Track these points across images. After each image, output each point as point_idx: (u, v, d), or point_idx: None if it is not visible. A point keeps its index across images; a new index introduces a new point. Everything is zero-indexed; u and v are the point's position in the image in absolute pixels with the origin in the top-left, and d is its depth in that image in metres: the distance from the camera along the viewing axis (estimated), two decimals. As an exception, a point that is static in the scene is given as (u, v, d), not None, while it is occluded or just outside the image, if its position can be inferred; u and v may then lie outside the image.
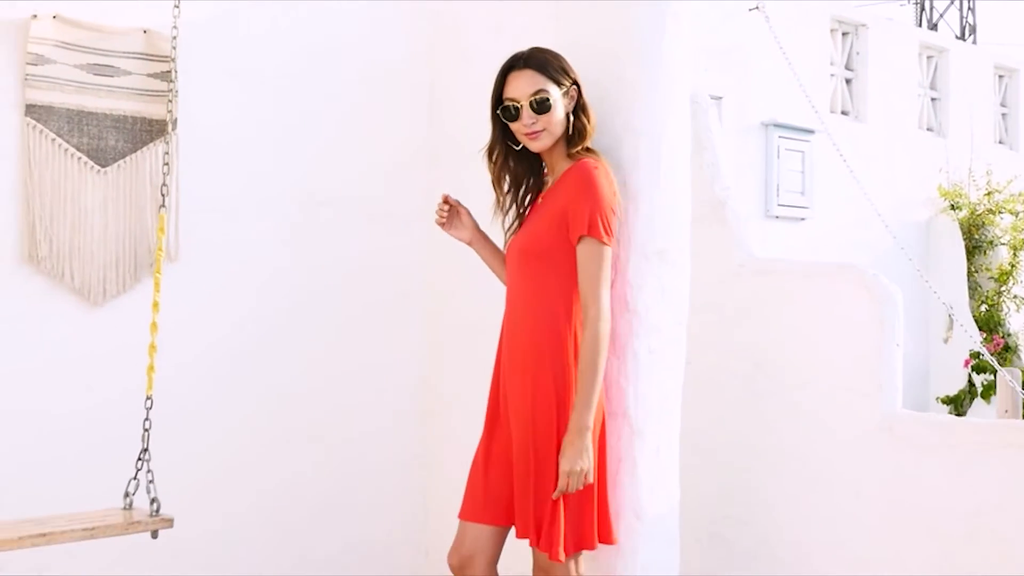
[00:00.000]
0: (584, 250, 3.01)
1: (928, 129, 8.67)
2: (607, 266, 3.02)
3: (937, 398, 8.27)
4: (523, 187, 3.23)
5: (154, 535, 3.15)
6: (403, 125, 4.57)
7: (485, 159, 3.21)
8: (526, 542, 3.09)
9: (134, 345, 3.63)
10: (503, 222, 3.26)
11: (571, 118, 3.12)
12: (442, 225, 3.41)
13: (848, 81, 7.47)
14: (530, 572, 3.16)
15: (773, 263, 3.95)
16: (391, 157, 4.56)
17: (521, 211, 3.24)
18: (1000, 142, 9.95)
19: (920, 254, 8.24)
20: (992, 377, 7.92)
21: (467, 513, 3.18)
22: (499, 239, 3.36)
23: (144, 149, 4.09)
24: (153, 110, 4.08)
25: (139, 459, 3.19)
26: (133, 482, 3.20)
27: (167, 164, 3.46)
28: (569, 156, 3.12)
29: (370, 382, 4.45)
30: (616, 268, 3.21)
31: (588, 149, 3.14)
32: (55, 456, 3.81)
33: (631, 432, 3.21)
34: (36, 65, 3.86)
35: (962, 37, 19.78)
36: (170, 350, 3.72)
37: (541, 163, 3.24)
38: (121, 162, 4.05)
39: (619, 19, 3.25)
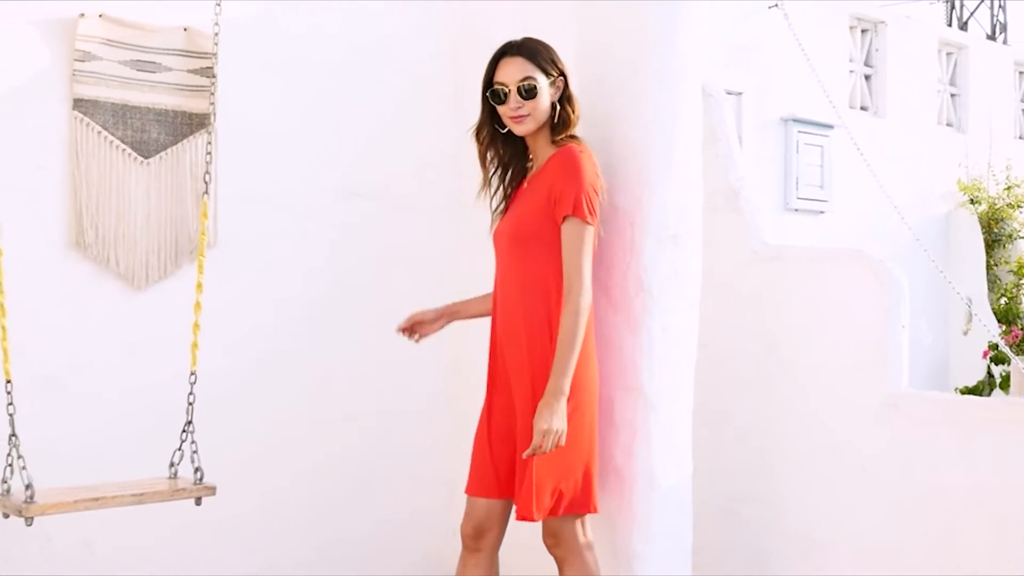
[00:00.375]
0: (568, 229, 3.16)
1: (947, 124, 8.79)
2: (589, 244, 3.17)
3: (956, 388, 8.38)
4: (509, 170, 3.37)
5: (198, 502, 3.35)
6: (432, 122, 4.75)
7: (473, 138, 3.38)
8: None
9: (175, 327, 3.82)
10: (490, 203, 3.39)
11: (557, 107, 3.28)
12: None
13: (867, 77, 7.61)
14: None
15: (785, 250, 4.11)
16: (422, 153, 4.74)
17: (508, 193, 3.38)
18: (1019, 137, 10.04)
19: (940, 248, 8.36)
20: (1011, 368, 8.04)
21: (477, 488, 3.34)
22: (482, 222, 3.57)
23: (184, 141, 4.28)
24: (193, 104, 4.28)
25: (184, 431, 3.39)
26: (178, 453, 3.39)
27: (209, 154, 3.67)
28: (553, 143, 3.29)
29: (403, 366, 4.59)
30: (631, 252, 3.40)
31: (572, 136, 3.30)
32: (104, 430, 4.00)
33: (646, 406, 3.40)
34: (83, 62, 4.05)
35: (993, 36, 19.76)
36: (208, 333, 3.92)
37: (526, 149, 3.38)
38: (163, 154, 4.25)
39: (635, 17, 3.43)
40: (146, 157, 4.21)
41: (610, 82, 3.45)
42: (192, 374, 3.40)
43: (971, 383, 8.37)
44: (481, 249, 4.13)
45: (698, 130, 3.53)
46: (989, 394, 8.17)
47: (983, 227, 8.68)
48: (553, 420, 3.06)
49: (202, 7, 3.69)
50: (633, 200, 3.41)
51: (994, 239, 8.88)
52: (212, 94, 3.87)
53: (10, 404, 3.05)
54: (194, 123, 4.28)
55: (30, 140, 3.93)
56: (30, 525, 3.03)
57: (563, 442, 3.09)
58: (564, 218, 3.18)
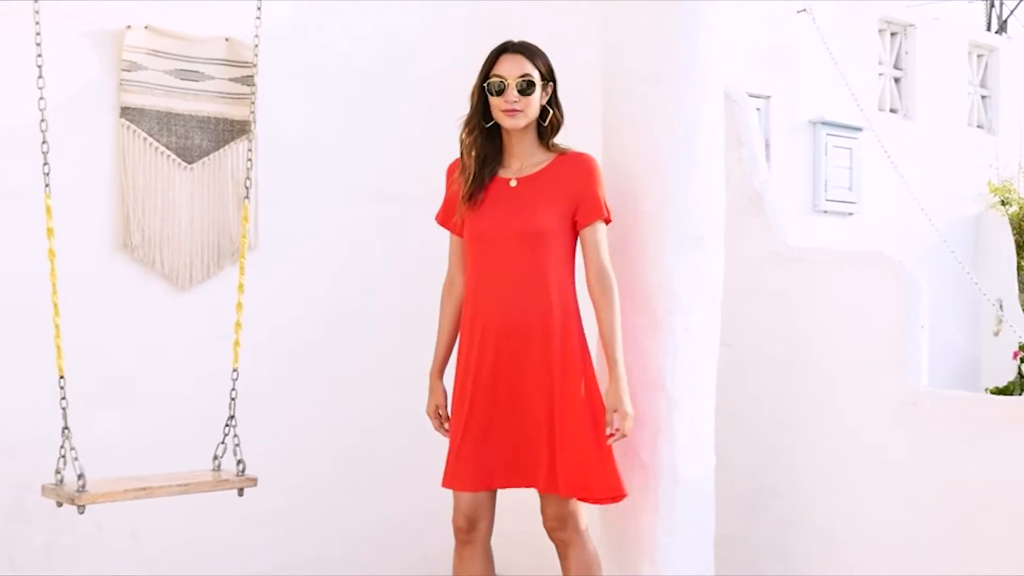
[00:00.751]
0: (597, 231, 3.40)
1: (978, 126, 8.82)
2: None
3: (987, 389, 8.41)
4: (485, 165, 3.44)
5: (240, 493, 3.49)
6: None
7: (462, 128, 3.47)
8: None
9: (217, 325, 3.96)
10: (465, 191, 3.43)
11: (549, 110, 3.43)
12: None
13: (897, 80, 7.67)
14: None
15: (807, 251, 4.21)
16: (453, 156, 4.88)
17: (479, 183, 3.42)
18: (1053, 139, 10.03)
19: (970, 249, 8.39)
20: (1042, 368, 8.06)
21: (466, 483, 3.39)
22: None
23: (226, 147, 4.44)
24: (234, 111, 4.44)
25: (227, 425, 3.53)
26: (221, 446, 3.54)
27: (250, 160, 3.82)
28: (550, 148, 3.45)
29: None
30: (654, 253, 3.52)
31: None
32: (151, 424, 4.18)
33: (668, 403, 3.52)
34: (130, 71, 4.22)
35: (1033, 34, 19.58)
36: (249, 331, 4.08)
37: (501, 147, 3.47)
38: (205, 159, 4.41)
39: (658, 23, 3.54)
40: (189, 162, 4.37)
41: (634, 87, 3.58)
42: (234, 371, 3.55)
43: (1002, 384, 8.40)
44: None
45: (720, 134, 3.64)
46: (1020, 394, 8.20)
47: (1014, 228, 8.70)
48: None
49: (243, 18, 3.83)
50: (656, 203, 3.53)
51: (1025, 240, 8.89)
52: (252, 102, 4.02)
53: (63, 398, 3.20)
54: (235, 130, 4.44)
55: (80, 147, 4.10)
56: (82, 513, 3.19)
57: None
58: (593, 221, 3.39)
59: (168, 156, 4.32)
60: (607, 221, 3.43)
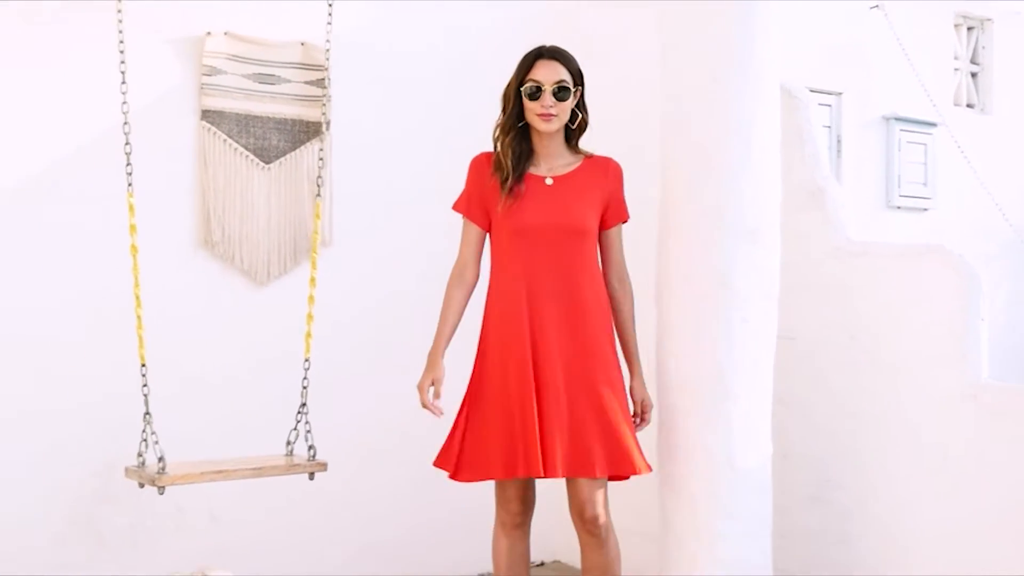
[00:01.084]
0: (619, 232, 3.68)
1: (1060, 121, 8.69)
2: None
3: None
4: (520, 163, 3.56)
5: (311, 476, 3.67)
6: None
7: (499, 132, 3.58)
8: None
9: (293, 318, 4.14)
10: (504, 187, 3.54)
11: (578, 113, 3.58)
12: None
13: (973, 75, 7.60)
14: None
15: (867, 245, 4.25)
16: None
17: (517, 180, 3.54)
18: None
19: (1050, 244, 8.28)
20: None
21: (526, 469, 3.44)
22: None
23: (302, 148, 4.62)
24: (310, 113, 4.61)
25: (299, 412, 3.71)
26: (293, 432, 3.72)
27: (322, 159, 3.98)
28: (578, 150, 3.64)
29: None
30: (711, 247, 3.60)
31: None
32: (228, 411, 4.39)
33: (725, 393, 3.59)
34: (210, 76, 4.42)
35: None
36: (324, 323, 4.25)
37: (531, 149, 3.59)
38: (282, 159, 4.60)
39: (713, 23, 3.61)
40: (267, 163, 4.55)
41: (691, 85, 3.66)
42: (306, 360, 3.72)
43: (1082, 380, 8.29)
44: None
45: (776, 130, 3.70)
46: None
47: (1095, 224, 8.58)
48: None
49: (317, 23, 3.99)
50: (712, 198, 3.60)
51: (1108, 235, 8.75)
52: (324, 104, 4.18)
53: (144, 386, 3.40)
54: (310, 131, 4.62)
55: (163, 149, 4.31)
56: (162, 493, 3.38)
57: None
58: (619, 222, 3.65)
59: (247, 157, 4.50)
60: (626, 222, 3.71)
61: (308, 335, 3.73)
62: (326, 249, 4.61)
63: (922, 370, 4.04)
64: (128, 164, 3.41)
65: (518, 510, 3.61)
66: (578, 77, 3.57)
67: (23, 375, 4.08)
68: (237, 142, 4.48)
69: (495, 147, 3.60)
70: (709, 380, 3.61)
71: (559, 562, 5.28)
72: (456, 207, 3.69)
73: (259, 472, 3.53)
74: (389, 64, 4.85)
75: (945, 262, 3.99)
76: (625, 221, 3.69)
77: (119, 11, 3.39)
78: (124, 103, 3.42)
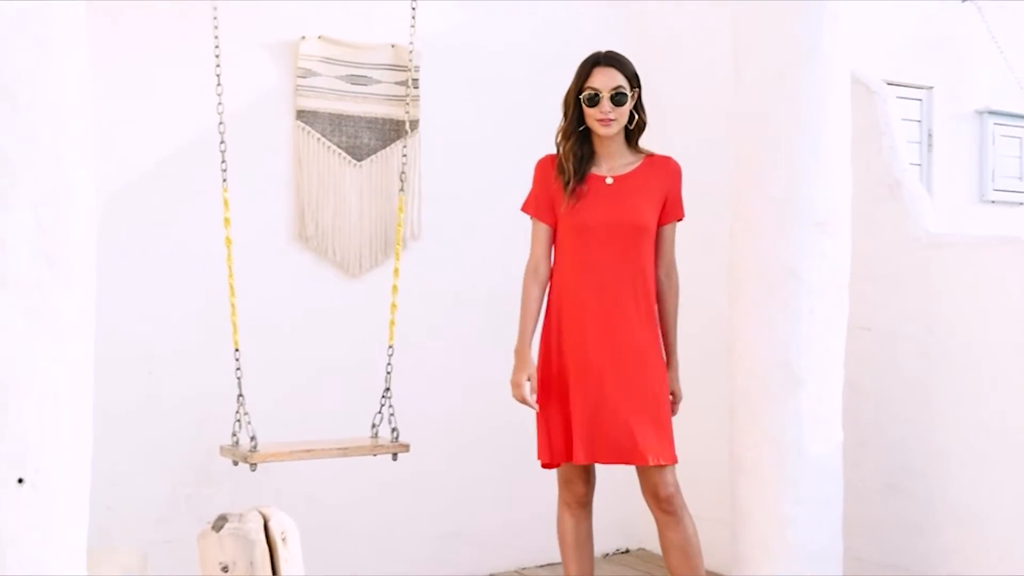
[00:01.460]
0: (673, 229, 3.81)
1: None
2: None
3: None
4: (582, 165, 3.71)
5: (394, 457, 3.84)
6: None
7: (561, 137, 3.75)
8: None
9: (383, 308, 4.31)
10: (566, 189, 3.70)
11: (635, 115, 3.71)
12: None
13: (1073, 67, 7.50)
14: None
15: (945, 237, 4.28)
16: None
17: (579, 181, 3.69)
18: None
19: None
20: None
21: (587, 455, 3.64)
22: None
23: (392, 145, 4.81)
24: (400, 113, 4.80)
25: (383, 396, 3.89)
26: (378, 415, 3.91)
27: (405, 155, 4.16)
28: (637, 149, 3.75)
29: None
30: (781, 238, 3.69)
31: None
32: (317, 395, 4.60)
33: (794, 380, 3.68)
34: (305, 78, 4.63)
35: None
36: (413, 312, 4.46)
37: (592, 151, 3.75)
38: (373, 157, 4.80)
39: (782, 21, 3.70)
40: (359, 160, 4.75)
41: (762, 80, 3.75)
42: (390, 347, 3.90)
43: None
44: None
45: (847, 123, 3.77)
46: None
47: None
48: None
49: (407, 25, 4.17)
50: (782, 190, 3.69)
51: None
52: (407, 103, 4.36)
53: (238, 369, 3.61)
54: (401, 129, 4.81)
55: (260, 147, 4.53)
56: (254, 470, 3.59)
57: None
58: (674, 219, 3.78)
59: (339, 154, 4.71)
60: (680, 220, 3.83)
61: (391, 323, 3.91)
62: (415, 242, 4.81)
63: (1000, 360, 4.07)
64: (223, 162, 3.62)
65: (581, 491, 3.79)
66: (634, 80, 3.70)
67: (135, 364, 4.32)
68: (330, 141, 4.68)
69: (558, 151, 3.78)
70: (778, 368, 3.70)
71: (644, 549, 5.40)
72: (524, 208, 3.88)
73: (345, 452, 3.71)
74: (477, 64, 5.02)
75: (1020, 252, 4.02)
76: (680, 219, 3.80)
77: (215, 18, 3.61)
78: (219, 104, 3.63)
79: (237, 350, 3.60)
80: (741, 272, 3.82)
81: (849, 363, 3.99)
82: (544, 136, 5.01)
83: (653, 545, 5.23)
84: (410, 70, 4.18)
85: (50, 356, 2.10)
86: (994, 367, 4.09)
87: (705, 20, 4.85)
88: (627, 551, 5.40)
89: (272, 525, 2.31)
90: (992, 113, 6.76)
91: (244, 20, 4.39)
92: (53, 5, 2.12)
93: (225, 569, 2.23)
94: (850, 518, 4.15)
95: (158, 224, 4.36)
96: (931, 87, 6.52)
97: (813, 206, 3.70)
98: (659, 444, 3.62)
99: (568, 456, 3.69)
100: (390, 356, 3.90)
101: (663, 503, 3.68)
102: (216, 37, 3.60)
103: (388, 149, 4.80)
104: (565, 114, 3.76)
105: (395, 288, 3.92)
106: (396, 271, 3.92)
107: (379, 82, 4.78)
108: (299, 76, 4.61)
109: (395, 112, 4.80)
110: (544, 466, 3.79)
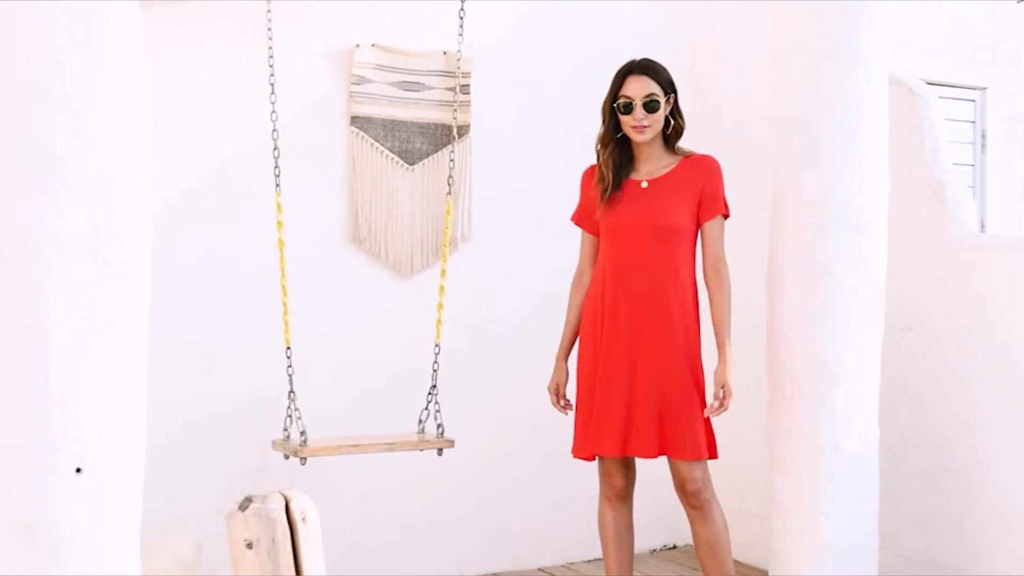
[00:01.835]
0: (718, 224, 3.82)
1: None
2: None
3: None
4: (620, 170, 3.83)
5: (439, 452, 3.97)
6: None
7: (599, 145, 3.86)
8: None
9: (434, 309, 4.46)
10: (602, 196, 3.82)
11: (671, 120, 3.79)
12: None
13: None
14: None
15: (986, 238, 4.34)
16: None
17: (616, 186, 3.81)
18: None
19: None
20: None
21: (627, 448, 3.76)
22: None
23: (444, 150, 4.93)
24: (451, 118, 4.93)
25: (429, 393, 4.02)
26: (424, 412, 4.03)
27: (452, 160, 4.29)
28: (675, 151, 3.83)
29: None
30: (818, 239, 3.76)
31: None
32: (367, 392, 4.74)
33: (830, 379, 3.75)
34: (359, 84, 4.77)
35: None
36: (462, 312, 4.59)
37: (631, 156, 3.85)
38: (425, 161, 4.93)
39: (822, 22, 3.76)
40: (411, 164, 4.89)
41: (800, 82, 3.83)
42: (436, 346, 4.03)
43: None
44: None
45: (885, 125, 3.83)
46: None
47: None
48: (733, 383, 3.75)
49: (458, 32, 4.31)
50: (820, 192, 3.76)
51: None
52: (455, 109, 4.48)
53: (289, 366, 3.76)
54: (451, 134, 4.93)
55: (316, 152, 4.69)
56: (304, 464, 3.73)
57: None
58: (715, 216, 3.79)
59: (392, 159, 4.84)
60: (726, 216, 3.83)
61: (439, 322, 4.04)
62: (465, 244, 4.94)
63: (1041, 361, 4.10)
64: (276, 166, 3.78)
65: (621, 484, 3.88)
66: (668, 87, 3.80)
67: (194, 363, 4.48)
68: (383, 145, 4.82)
69: (597, 159, 3.90)
70: (814, 367, 3.77)
71: (691, 546, 5.46)
72: (572, 219, 4.03)
73: (391, 447, 3.84)
74: (527, 69, 5.13)
75: (1063, 254, 4.05)
76: (722, 214, 3.82)
77: (269, 29, 3.76)
78: (273, 112, 3.78)
79: (289, 348, 3.75)
80: (779, 273, 3.90)
81: (891, 362, 4.06)
82: (592, 139, 5.15)
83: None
84: (462, 75, 4.30)
85: (106, 355, 2.22)
86: (1031, 368, 4.12)
87: (754, 21, 4.90)
88: (674, 547, 5.49)
89: (293, 506, 2.49)
90: (1047, 113, 6.73)
91: (300, 29, 4.55)
92: (109, 12, 2.23)
93: (250, 545, 2.41)
94: (891, 515, 4.21)
95: (216, 227, 4.52)
96: (984, 88, 6.52)
97: (850, 207, 3.77)
98: (688, 439, 3.70)
99: (600, 449, 3.80)
100: (436, 355, 4.03)
101: (690, 497, 3.78)
102: (270, 48, 3.76)
103: (439, 153, 4.93)
104: (603, 122, 3.88)
105: (442, 288, 4.05)
106: (443, 272, 4.05)
107: (431, 88, 4.90)
108: (353, 83, 4.75)
109: (447, 117, 4.91)
110: (576, 458, 3.91)
